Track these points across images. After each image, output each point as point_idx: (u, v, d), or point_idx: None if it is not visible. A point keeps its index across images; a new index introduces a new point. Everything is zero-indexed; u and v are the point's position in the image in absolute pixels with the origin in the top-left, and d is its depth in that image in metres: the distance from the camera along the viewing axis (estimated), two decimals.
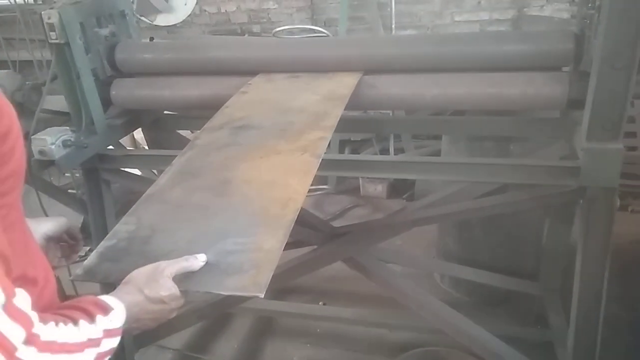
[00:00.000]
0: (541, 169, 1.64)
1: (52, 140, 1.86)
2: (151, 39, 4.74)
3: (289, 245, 2.67)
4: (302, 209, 2.30)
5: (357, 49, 1.86)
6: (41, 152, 1.86)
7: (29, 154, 1.88)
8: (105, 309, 0.87)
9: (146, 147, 2.76)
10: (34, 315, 0.74)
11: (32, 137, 1.87)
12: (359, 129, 2.84)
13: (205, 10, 4.64)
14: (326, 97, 1.69)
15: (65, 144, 1.89)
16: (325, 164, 1.84)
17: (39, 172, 1.93)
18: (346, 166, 1.84)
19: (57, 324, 0.77)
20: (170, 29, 4.76)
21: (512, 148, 2.31)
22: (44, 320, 0.75)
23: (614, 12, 1.35)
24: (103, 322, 0.85)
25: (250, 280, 0.96)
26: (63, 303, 0.91)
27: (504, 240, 2.61)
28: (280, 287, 2.66)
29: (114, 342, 0.86)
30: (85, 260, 1.08)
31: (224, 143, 1.47)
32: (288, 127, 1.51)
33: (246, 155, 1.39)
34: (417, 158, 1.80)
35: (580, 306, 1.76)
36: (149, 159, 2.07)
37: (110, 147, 2.12)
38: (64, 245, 1.29)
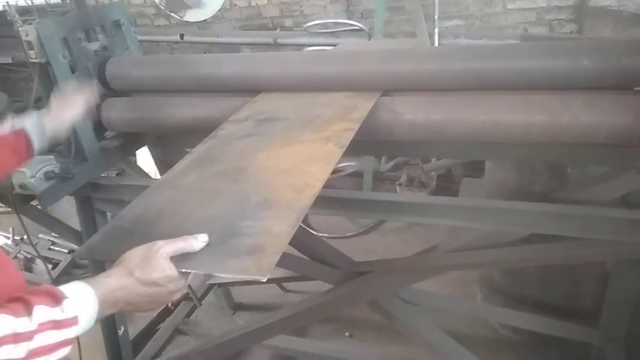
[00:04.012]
0: (601, 220, 1.29)
1: (32, 173, 1.67)
2: (181, 36, 4.61)
3: (300, 278, 2.45)
4: (321, 241, 2.11)
5: (374, 63, 1.54)
6: (21, 186, 1.68)
7: (10, 186, 1.72)
8: (57, 299, 0.80)
9: None
10: None
11: None
12: (385, 151, 2.52)
13: (235, 4, 4.39)
14: (357, 94, 1.57)
15: (47, 176, 1.70)
16: (334, 202, 1.58)
17: (22, 206, 1.75)
18: (362, 206, 1.54)
19: None
20: (200, 24, 4.56)
21: (569, 172, 1.94)
22: None
23: None
24: (45, 314, 0.77)
25: (253, 263, 0.90)
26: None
27: (559, 273, 2.23)
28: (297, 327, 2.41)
29: (63, 334, 0.78)
30: (89, 239, 1.07)
31: (246, 133, 1.45)
32: (314, 119, 1.46)
33: (267, 145, 1.36)
34: (448, 201, 1.48)
35: None
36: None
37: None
38: None
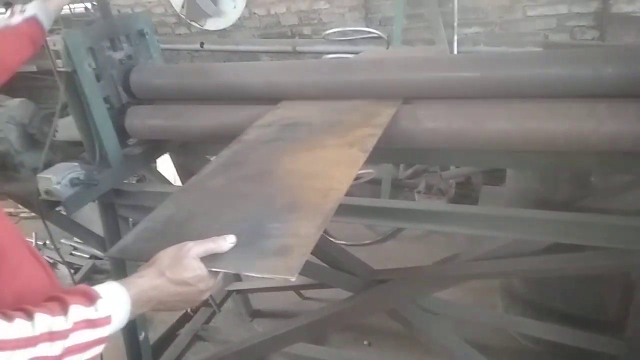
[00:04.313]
0: (626, 230, 1.27)
1: (58, 180, 1.71)
2: (202, 44, 4.67)
3: (318, 285, 2.45)
4: (340, 249, 2.11)
5: (395, 71, 1.55)
6: (47, 192, 1.72)
7: (36, 193, 1.75)
8: (91, 298, 0.82)
9: None
10: None
11: (38, 175, 1.73)
12: (405, 159, 2.51)
13: (254, 13, 4.43)
14: (379, 101, 1.59)
15: (72, 183, 1.74)
16: (352, 210, 1.58)
17: (48, 212, 1.78)
18: (380, 214, 1.54)
19: None
20: (220, 33, 4.61)
21: (593, 181, 1.91)
22: None
23: None
24: (80, 313, 0.79)
25: (282, 264, 0.93)
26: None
27: (582, 283, 2.19)
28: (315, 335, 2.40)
29: (97, 333, 0.80)
30: (121, 240, 1.11)
31: (271, 138, 1.48)
32: (337, 124, 1.49)
33: (292, 149, 1.39)
34: (468, 209, 1.47)
35: None
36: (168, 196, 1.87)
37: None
38: None
